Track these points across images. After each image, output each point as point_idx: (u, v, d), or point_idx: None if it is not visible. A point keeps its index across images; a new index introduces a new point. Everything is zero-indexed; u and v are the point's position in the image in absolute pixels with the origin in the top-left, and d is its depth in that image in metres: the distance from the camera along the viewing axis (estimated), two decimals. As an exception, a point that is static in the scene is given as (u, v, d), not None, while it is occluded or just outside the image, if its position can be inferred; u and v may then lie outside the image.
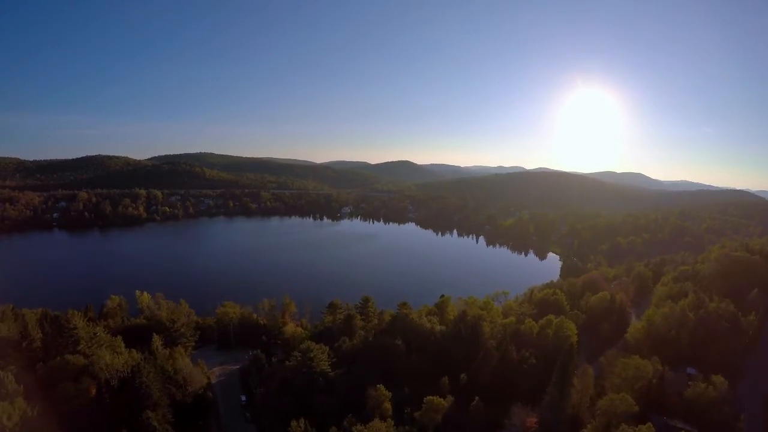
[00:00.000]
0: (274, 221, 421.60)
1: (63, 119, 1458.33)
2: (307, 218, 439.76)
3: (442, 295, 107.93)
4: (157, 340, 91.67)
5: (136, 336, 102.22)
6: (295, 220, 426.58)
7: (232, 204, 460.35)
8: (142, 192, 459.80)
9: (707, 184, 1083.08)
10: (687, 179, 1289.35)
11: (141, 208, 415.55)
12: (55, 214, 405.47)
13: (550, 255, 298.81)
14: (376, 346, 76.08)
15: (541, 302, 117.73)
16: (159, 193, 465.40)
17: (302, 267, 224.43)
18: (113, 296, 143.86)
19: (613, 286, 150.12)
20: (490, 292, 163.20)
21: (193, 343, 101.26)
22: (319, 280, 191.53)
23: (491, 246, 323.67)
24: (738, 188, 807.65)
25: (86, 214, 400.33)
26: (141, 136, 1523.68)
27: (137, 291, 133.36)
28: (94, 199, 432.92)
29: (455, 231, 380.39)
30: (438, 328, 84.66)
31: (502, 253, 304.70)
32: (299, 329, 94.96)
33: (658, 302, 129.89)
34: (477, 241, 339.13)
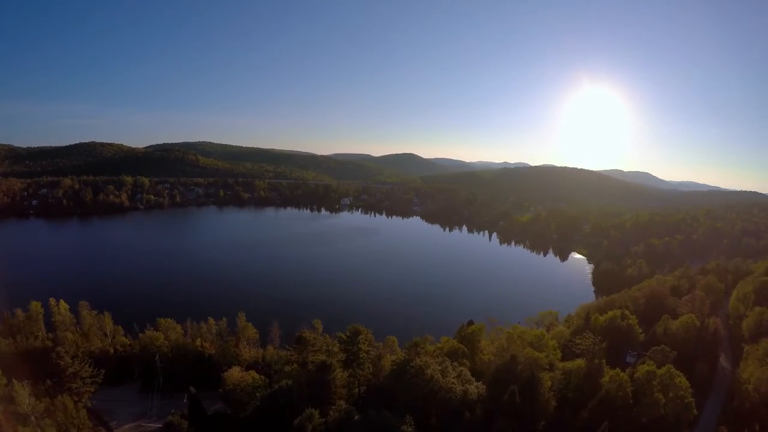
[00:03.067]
0: (268, 212, 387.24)
1: (64, 109, 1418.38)
2: (304, 210, 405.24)
3: (471, 322, 73.27)
4: (21, 390, 57.93)
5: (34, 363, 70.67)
6: (290, 212, 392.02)
7: (222, 193, 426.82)
8: (129, 179, 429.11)
9: (712, 185, 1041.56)
10: (693, 180, 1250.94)
11: (124, 196, 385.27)
12: (34, 202, 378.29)
13: (573, 256, 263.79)
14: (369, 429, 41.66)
15: (607, 330, 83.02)
16: (146, 180, 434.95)
17: (285, 269, 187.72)
18: (34, 303, 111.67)
19: (683, 301, 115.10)
20: (522, 310, 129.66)
21: (92, 389, 67.26)
22: (302, 289, 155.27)
23: (506, 244, 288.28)
24: (748, 189, 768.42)
25: (65, 201, 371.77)
26: (143, 127, 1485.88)
27: (51, 299, 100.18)
28: (77, 186, 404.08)
29: (464, 227, 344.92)
30: (474, 390, 50.03)
31: (519, 252, 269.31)
32: (251, 374, 60.78)
33: (758, 329, 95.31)
34: (490, 239, 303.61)
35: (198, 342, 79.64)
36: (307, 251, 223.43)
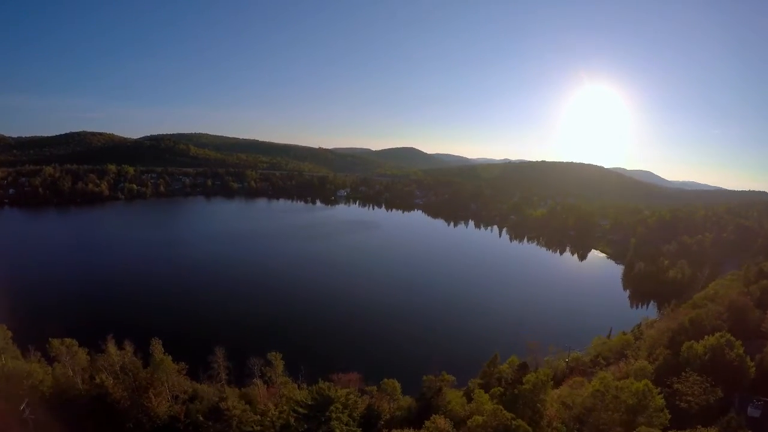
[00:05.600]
0: (258, 204, 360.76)
1: (64, 103, 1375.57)
2: (298, 201, 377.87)
3: (524, 366, 46.59)
4: None
5: None
6: (282, 203, 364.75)
7: (210, 183, 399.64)
8: (112, 167, 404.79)
9: (713, 185, 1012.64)
10: (694, 179, 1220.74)
11: (103, 185, 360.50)
12: (11, 190, 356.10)
13: (593, 255, 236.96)
14: None
15: (710, 365, 56.10)
16: (131, 169, 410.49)
17: (256, 269, 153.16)
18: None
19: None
20: (556, 323, 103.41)
21: None
22: (271, 298, 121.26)
23: (517, 241, 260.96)
24: (756, 189, 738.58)
25: (41, 190, 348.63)
26: (142, 121, 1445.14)
27: None
28: (57, 175, 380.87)
29: (471, 221, 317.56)
30: None
31: (534, 250, 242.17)
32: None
33: None
34: (500, 235, 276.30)
35: (99, 379, 52.63)
36: (290, 248, 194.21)
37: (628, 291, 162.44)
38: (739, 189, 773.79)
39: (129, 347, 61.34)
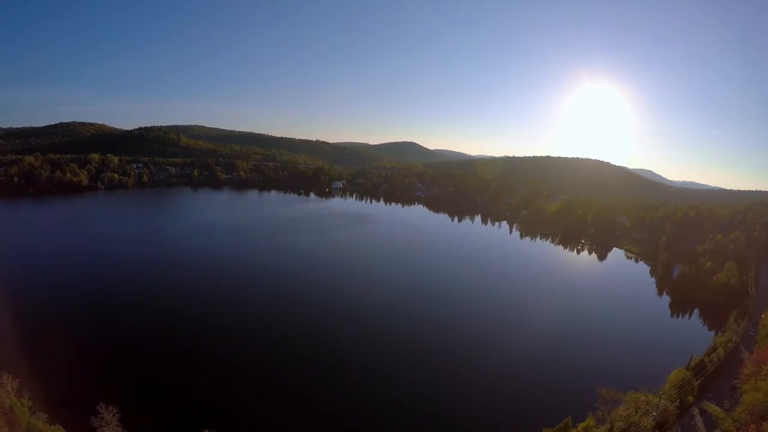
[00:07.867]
0: (247, 195, 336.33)
1: (58, 95, 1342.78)
2: (290, 193, 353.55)
3: None
4: None
5: None
6: (273, 195, 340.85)
7: (197, 173, 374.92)
8: (95, 156, 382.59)
9: (714, 186, 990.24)
10: (695, 180, 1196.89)
11: (82, 175, 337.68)
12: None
13: (614, 253, 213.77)
14: None
15: None
16: (115, 159, 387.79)
17: (219, 279, 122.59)
18: None
19: None
20: (610, 349, 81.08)
21: None
22: (231, 321, 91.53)
23: (529, 238, 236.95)
24: (761, 190, 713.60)
25: (16, 179, 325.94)
26: (140, 114, 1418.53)
27: None
28: (37, 164, 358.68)
29: (477, 216, 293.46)
30: None
31: (549, 249, 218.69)
32: None
33: None
34: (510, 231, 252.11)
35: None
36: (269, 246, 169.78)
37: (667, 297, 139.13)
38: (743, 189, 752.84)
39: (10, 386, 38.77)
